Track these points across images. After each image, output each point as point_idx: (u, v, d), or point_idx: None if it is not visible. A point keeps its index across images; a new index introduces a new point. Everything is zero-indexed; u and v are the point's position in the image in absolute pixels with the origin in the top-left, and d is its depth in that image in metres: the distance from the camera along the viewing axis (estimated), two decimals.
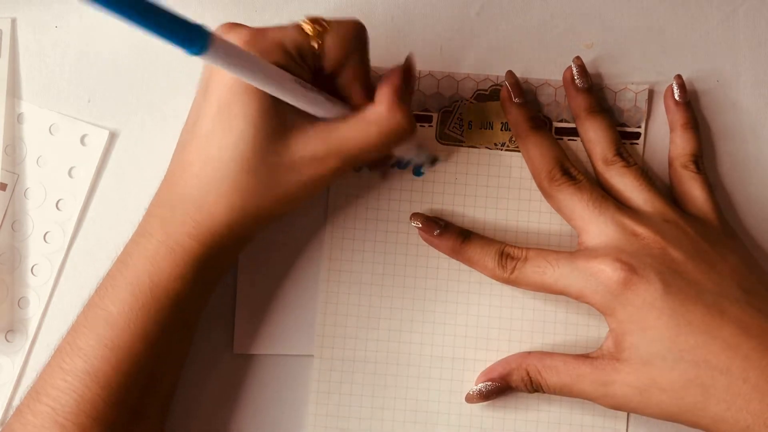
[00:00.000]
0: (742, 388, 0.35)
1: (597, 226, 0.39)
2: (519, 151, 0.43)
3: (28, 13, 0.44)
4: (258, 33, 0.35)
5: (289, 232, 0.43)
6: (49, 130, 0.44)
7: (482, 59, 0.44)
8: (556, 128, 0.43)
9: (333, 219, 0.43)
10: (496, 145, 0.43)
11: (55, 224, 0.43)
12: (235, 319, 0.43)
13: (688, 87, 0.43)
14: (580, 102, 0.42)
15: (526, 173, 0.43)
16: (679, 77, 0.43)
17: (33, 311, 0.43)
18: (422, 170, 0.43)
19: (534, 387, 0.40)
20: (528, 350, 0.42)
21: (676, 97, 0.43)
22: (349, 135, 0.36)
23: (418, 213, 0.43)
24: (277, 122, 0.35)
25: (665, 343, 0.36)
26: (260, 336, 0.43)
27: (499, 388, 0.41)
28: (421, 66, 0.43)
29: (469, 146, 0.43)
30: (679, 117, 0.43)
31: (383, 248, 0.43)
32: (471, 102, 0.44)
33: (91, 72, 0.44)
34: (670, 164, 0.43)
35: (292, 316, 0.43)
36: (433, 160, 0.43)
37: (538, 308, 0.43)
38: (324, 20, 0.36)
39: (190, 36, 0.28)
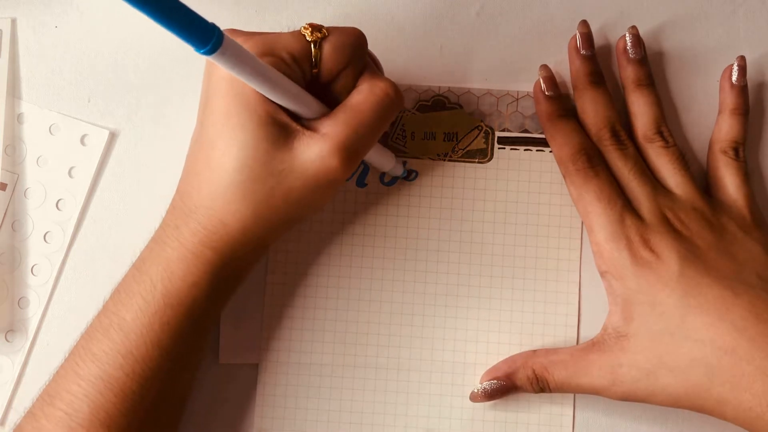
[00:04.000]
0: (746, 369, 0.35)
1: (634, 195, 0.40)
2: (461, 162, 0.43)
3: (28, 13, 0.44)
4: (256, 37, 0.35)
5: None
6: (49, 130, 0.44)
7: (482, 59, 0.44)
8: None
9: None
10: (438, 155, 0.43)
11: (55, 224, 0.43)
12: (220, 329, 0.42)
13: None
14: (630, 73, 0.42)
15: (469, 183, 0.43)
16: (741, 58, 0.42)
17: (33, 311, 0.43)
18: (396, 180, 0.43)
19: (540, 386, 0.40)
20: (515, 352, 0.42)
21: (734, 79, 0.42)
22: (343, 125, 0.36)
23: (546, 66, 0.42)
24: (278, 129, 0.35)
25: (674, 320, 0.37)
26: (244, 345, 0.42)
27: (504, 387, 0.40)
28: (421, 66, 0.43)
29: (412, 157, 0.43)
30: (730, 101, 0.42)
31: (327, 260, 0.43)
32: (414, 113, 0.44)
33: (91, 72, 0.44)
34: (710, 147, 0.42)
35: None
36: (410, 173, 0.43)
37: (481, 329, 0.42)
38: (324, 27, 0.36)
39: (204, 35, 0.28)
